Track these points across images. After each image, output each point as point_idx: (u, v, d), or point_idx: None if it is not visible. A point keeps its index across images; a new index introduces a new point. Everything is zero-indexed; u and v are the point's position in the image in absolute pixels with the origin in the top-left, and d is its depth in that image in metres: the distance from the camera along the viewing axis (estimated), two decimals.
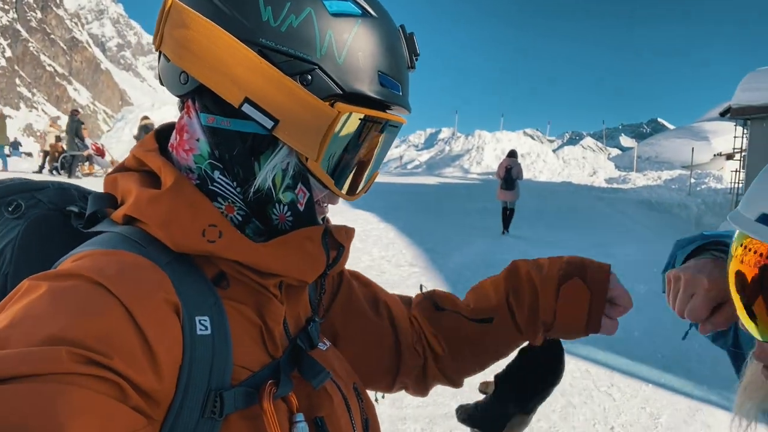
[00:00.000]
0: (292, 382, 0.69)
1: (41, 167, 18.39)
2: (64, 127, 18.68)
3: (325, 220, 0.84)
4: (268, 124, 0.67)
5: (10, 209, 0.75)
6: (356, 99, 0.69)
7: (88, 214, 0.73)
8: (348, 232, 0.83)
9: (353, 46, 0.68)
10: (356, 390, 0.84)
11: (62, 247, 0.69)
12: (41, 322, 0.51)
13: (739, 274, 0.70)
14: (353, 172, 0.74)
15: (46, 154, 18.71)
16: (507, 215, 12.35)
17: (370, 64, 0.69)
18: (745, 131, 18.72)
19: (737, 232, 0.72)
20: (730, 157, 25.66)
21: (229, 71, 0.66)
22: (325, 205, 0.77)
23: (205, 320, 0.63)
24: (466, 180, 24.87)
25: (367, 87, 0.69)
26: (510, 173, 12.42)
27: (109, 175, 0.75)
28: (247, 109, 0.67)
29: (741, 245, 0.70)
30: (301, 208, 0.72)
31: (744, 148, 18.91)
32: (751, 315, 0.70)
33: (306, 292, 0.85)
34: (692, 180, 23.25)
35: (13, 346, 0.49)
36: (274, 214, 0.72)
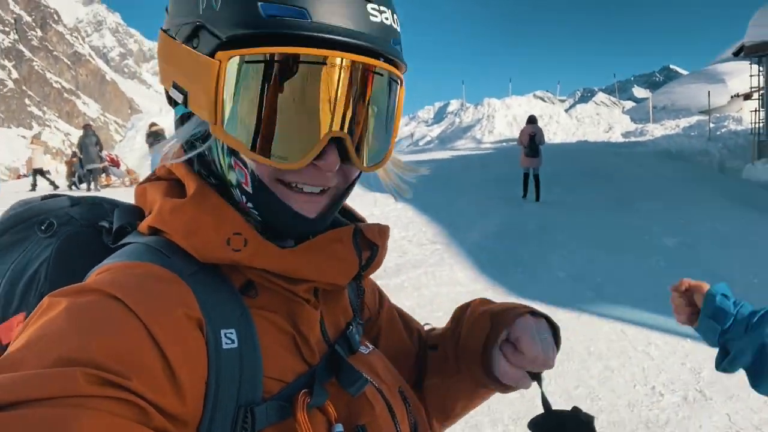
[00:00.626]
0: (326, 391, 0.66)
1: (54, 184, 18.72)
2: (50, 143, 19.17)
3: (358, 219, 0.82)
4: (179, 98, 0.66)
5: (42, 227, 0.75)
6: (243, 42, 0.61)
7: (115, 228, 0.73)
8: (382, 231, 0.78)
9: None
10: (402, 394, 0.80)
11: (96, 263, 0.68)
12: (56, 341, 0.50)
13: None
14: (285, 130, 0.62)
15: (36, 172, 19.07)
16: (531, 182, 12.28)
17: None
18: (761, 69, 18.14)
19: None
20: (748, 97, 24.91)
21: (160, 65, 0.71)
22: (301, 186, 0.67)
23: (231, 333, 0.61)
24: (479, 150, 24.63)
25: (244, 24, 0.60)
26: (534, 140, 12.41)
27: (140, 185, 0.74)
28: (172, 92, 0.67)
29: None
30: (250, 189, 0.66)
31: (761, 86, 18.34)
32: None
33: (345, 295, 0.82)
34: (711, 125, 22.69)
35: (27, 368, 0.47)
36: (240, 204, 0.69)
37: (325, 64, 0.61)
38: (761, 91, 18.54)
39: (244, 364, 0.60)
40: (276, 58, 0.60)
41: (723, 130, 22.23)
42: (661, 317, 5.31)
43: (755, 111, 18.46)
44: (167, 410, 0.52)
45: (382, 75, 0.66)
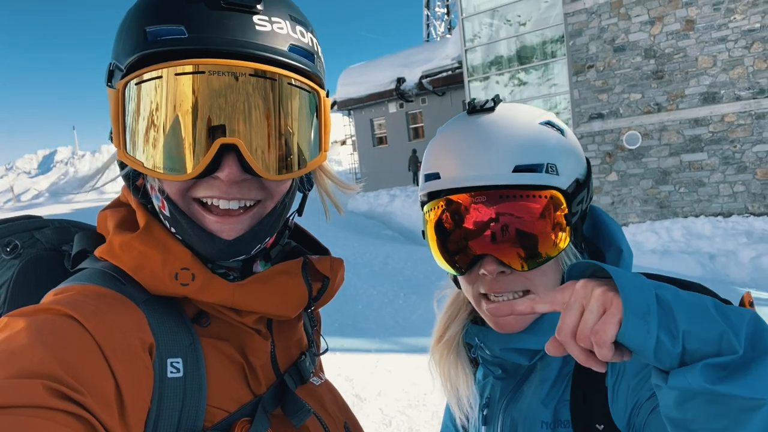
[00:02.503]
0: (268, 420, 0.66)
1: None
2: None
3: (322, 250, 0.84)
4: (108, 135, 0.68)
5: (8, 249, 0.71)
6: (138, 68, 0.65)
7: (74, 253, 0.69)
8: (335, 263, 0.79)
9: (127, 23, 0.67)
10: (347, 429, 0.82)
11: (56, 286, 0.64)
12: (17, 356, 0.49)
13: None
14: (176, 142, 0.64)
15: None
16: None
17: (136, 27, 0.65)
18: (350, 120, 22.25)
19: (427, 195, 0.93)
20: (344, 143, 30.10)
21: None
22: (216, 203, 0.66)
23: (178, 362, 0.60)
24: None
25: (133, 50, 0.65)
26: None
27: (102, 211, 0.70)
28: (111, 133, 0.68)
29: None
30: (167, 213, 0.66)
31: (353, 134, 22.49)
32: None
33: (300, 326, 0.81)
34: None
35: None
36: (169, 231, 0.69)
37: (203, 73, 0.62)
38: (353, 138, 22.70)
39: (186, 394, 0.60)
40: (155, 75, 0.63)
41: None
42: None
43: (351, 154, 22.49)
44: (112, 431, 0.51)
45: (274, 80, 0.66)
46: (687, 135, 11.32)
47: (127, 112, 0.65)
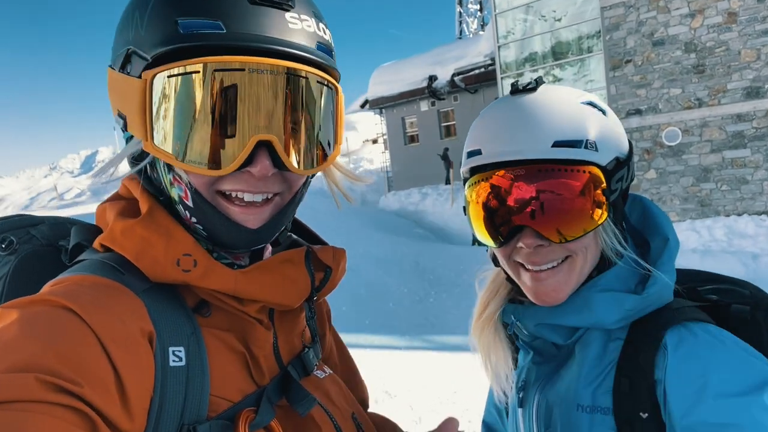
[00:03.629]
0: (273, 411, 0.66)
1: None
2: None
3: (318, 241, 0.83)
4: (120, 123, 0.67)
5: (3, 245, 0.72)
6: (167, 60, 0.63)
7: (71, 246, 0.69)
8: (337, 253, 0.80)
9: (152, 11, 0.65)
10: (355, 420, 0.81)
11: None
12: (10, 349, 0.48)
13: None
14: (211, 138, 0.64)
15: None
16: None
17: (165, 16, 0.64)
18: (382, 118, 22.26)
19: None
20: (375, 141, 30.18)
21: (109, 97, 0.70)
22: (241, 196, 0.67)
23: (180, 351, 0.60)
24: None
25: (165, 42, 0.63)
26: None
27: (101, 204, 0.70)
28: (116, 120, 0.68)
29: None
30: (190, 203, 0.67)
31: (384, 132, 22.49)
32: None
33: (303, 318, 0.80)
34: (351, 166, 26.59)
35: None
36: (186, 220, 0.69)
37: (243, 70, 0.63)
38: (384, 136, 22.71)
39: (189, 383, 0.60)
40: (194, 70, 0.62)
41: (361, 169, 26.27)
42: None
43: (383, 152, 22.51)
44: (114, 422, 0.51)
45: (306, 78, 0.67)
46: (729, 131, 10.94)
47: (155, 104, 0.63)
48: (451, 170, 18.50)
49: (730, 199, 11.09)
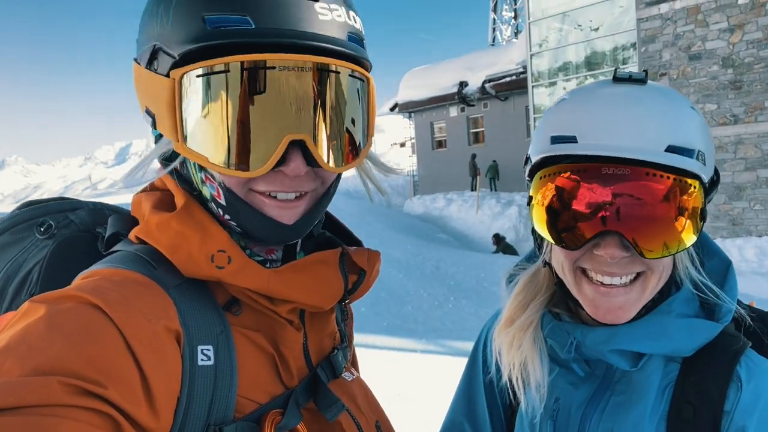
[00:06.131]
0: (300, 414, 0.67)
1: None
2: None
3: (353, 241, 0.82)
4: (149, 120, 0.67)
5: (42, 229, 0.71)
6: (195, 57, 0.61)
7: (108, 235, 0.69)
8: (372, 256, 0.78)
9: (177, 6, 0.63)
10: (379, 429, 0.79)
11: (87, 268, 0.64)
12: (35, 348, 0.49)
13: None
14: (243, 139, 0.62)
15: None
16: None
17: (192, 12, 0.61)
18: (411, 122, 22.29)
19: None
20: (402, 145, 30.21)
21: (136, 92, 0.69)
22: (274, 194, 0.66)
23: (209, 350, 0.60)
24: None
25: (192, 39, 0.60)
26: None
27: (137, 195, 0.71)
28: (145, 117, 0.67)
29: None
30: (223, 202, 0.66)
31: (412, 136, 22.51)
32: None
33: (333, 319, 0.80)
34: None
35: (5, 374, 0.46)
36: (219, 218, 0.68)
37: (274, 68, 0.60)
38: (412, 140, 22.73)
39: (217, 383, 0.60)
40: (222, 69, 0.60)
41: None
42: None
43: (410, 156, 22.52)
44: (140, 422, 0.51)
45: (338, 72, 0.65)
46: (765, 149, 10.66)
47: (185, 104, 0.62)
48: (477, 177, 18.41)
49: (763, 219, 10.79)
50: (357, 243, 0.85)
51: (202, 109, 0.61)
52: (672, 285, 0.89)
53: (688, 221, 0.80)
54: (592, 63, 13.57)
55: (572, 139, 0.81)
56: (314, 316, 0.75)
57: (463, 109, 20.55)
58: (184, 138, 0.62)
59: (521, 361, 0.96)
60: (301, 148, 0.63)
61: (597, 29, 13.38)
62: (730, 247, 10.29)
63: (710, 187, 0.84)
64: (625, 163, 0.78)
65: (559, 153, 0.82)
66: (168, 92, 0.62)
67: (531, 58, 14.75)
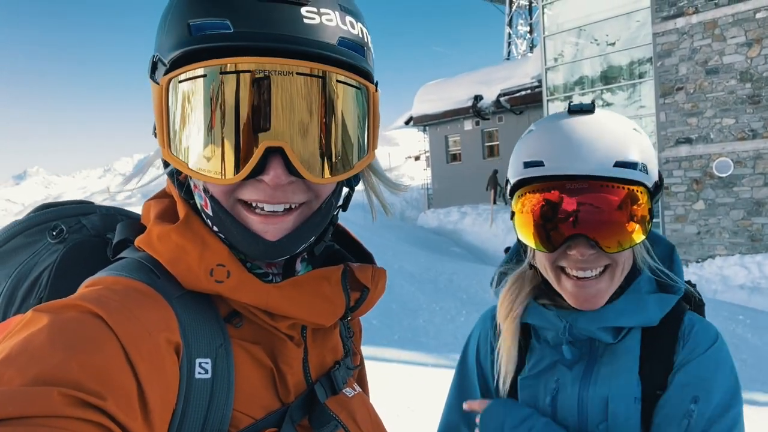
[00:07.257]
0: (295, 431, 0.67)
1: None
2: None
3: (365, 255, 0.81)
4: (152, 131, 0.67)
5: (53, 234, 0.72)
6: (181, 63, 0.61)
7: (115, 241, 0.70)
8: (376, 273, 0.77)
9: (170, 16, 0.63)
10: None
11: (96, 273, 0.64)
12: (36, 358, 0.49)
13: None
14: (220, 144, 0.61)
15: None
16: None
17: (180, 19, 0.62)
18: (426, 136, 22.33)
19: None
20: (417, 158, 30.30)
21: None
22: (261, 206, 0.64)
23: (207, 363, 0.60)
24: None
25: (178, 45, 0.61)
26: None
27: (147, 201, 0.71)
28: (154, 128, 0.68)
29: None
30: (210, 212, 0.66)
31: (427, 150, 22.55)
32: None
33: (336, 335, 0.79)
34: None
35: (5, 384, 0.46)
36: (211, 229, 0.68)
37: (248, 72, 0.59)
38: (427, 154, 22.77)
39: (213, 396, 0.60)
40: (196, 74, 0.60)
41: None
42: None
43: (425, 170, 22.55)
44: None
45: (322, 77, 0.62)
46: None
47: (170, 110, 0.62)
48: (493, 191, 18.33)
49: None
50: (368, 256, 0.84)
51: (183, 115, 0.62)
52: (635, 272, 1.11)
53: (638, 224, 1.01)
54: (608, 77, 13.52)
55: (540, 164, 1.01)
56: (316, 331, 0.75)
57: (477, 123, 20.55)
58: (168, 144, 0.63)
59: (508, 347, 1.15)
60: (283, 157, 0.61)
61: (613, 44, 13.34)
62: (750, 263, 10.12)
63: (655, 190, 1.04)
64: (584, 179, 0.99)
65: (531, 175, 1.03)
66: (158, 99, 0.63)
67: (546, 72, 14.74)
